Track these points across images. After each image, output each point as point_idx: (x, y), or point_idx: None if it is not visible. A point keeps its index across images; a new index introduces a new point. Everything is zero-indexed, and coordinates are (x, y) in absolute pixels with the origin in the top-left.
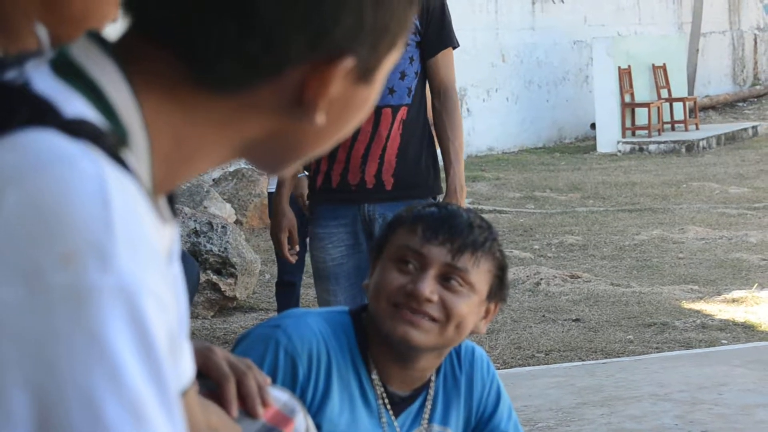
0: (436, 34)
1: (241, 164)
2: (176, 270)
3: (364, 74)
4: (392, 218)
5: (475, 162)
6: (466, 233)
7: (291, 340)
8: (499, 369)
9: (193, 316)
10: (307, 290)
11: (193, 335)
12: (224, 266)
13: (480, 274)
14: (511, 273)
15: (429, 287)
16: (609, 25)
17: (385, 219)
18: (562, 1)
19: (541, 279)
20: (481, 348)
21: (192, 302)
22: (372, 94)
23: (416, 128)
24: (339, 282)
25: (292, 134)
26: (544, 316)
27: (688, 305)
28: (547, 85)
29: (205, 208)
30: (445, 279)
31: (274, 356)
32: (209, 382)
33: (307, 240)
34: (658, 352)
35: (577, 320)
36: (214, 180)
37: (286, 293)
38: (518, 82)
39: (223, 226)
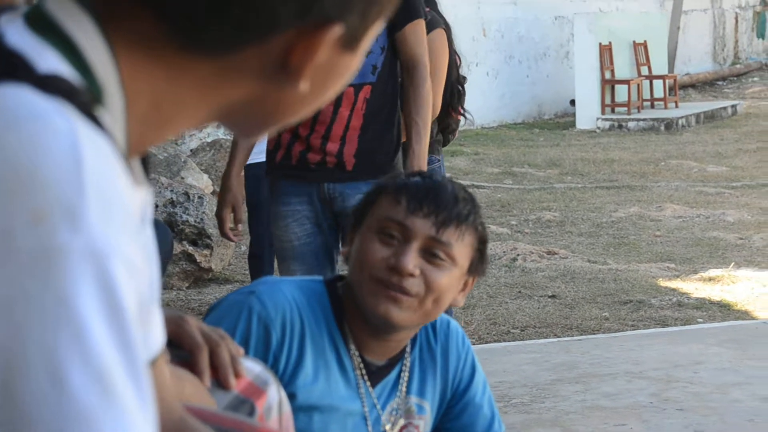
0: (402, 6)
1: (219, 134)
2: (149, 235)
3: (350, 42)
4: (374, 186)
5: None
6: (451, 206)
7: (264, 306)
8: (474, 344)
9: (168, 287)
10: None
11: (168, 306)
12: (200, 237)
13: (463, 248)
14: (488, 248)
15: (412, 261)
16: (590, 1)
17: (344, 197)
18: None
19: (518, 255)
20: (457, 322)
21: (165, 271)
22: (355, 61)
23: (382, 107)
24: (305, 261)
25: (273, 100)
26: (520, 292)
27: (664, 283)
28: (528, 61)
29: (182, 178)
30: (428, 253)
31: (247, 323)
32: (182, 351)
33: None
34: (633, 330)
35: (553, 297)
36: (191, 150)
37: (258, 266)
38: (499, 57)
39: (199, 197)
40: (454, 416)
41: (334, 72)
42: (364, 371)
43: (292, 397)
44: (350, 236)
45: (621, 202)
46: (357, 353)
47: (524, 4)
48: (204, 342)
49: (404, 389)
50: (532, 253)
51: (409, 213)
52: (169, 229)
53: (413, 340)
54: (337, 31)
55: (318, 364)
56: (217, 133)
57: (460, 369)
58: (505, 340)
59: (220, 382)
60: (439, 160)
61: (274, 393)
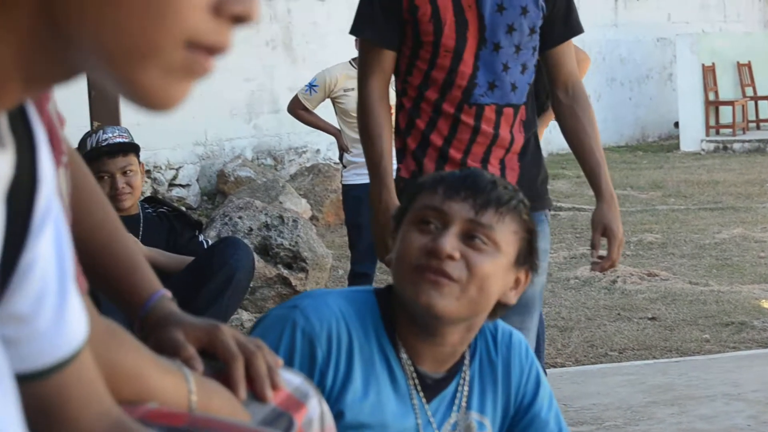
0: (564, 19)
1: (319, 160)
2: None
3: None
4: (413, 186)
5: (556, 160)
6: (489, 189)
7: (309, 320)
8: (570, 367)
9: (264, 310)
10: (380, 283)
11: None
12: (295, 260)
13: (506, 233)
14: (587, 270)
15: (450, 243)
16: (693, 22)
17: None
18: None
19: (618, 276)
20: (519, 332)
21: (248, 288)
22: None
23: (531, 130)
24: None
25: None
26: (619, 314)
27: (767, 305)
28: (630, 83)
29: (280, 203)
30: (468, 237)
31: (291, 338)
32: (216, 362)
33: None
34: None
35: (652, 318)
36: (291, 176)
37: (360, 285)
38: (600, 80)
39: (294, 220)
40: None
41: None
42: (417, 382)
43: (340, 415)
44: (393, 239)
45: (725, 224)
46: (410, 362)
47: (625, 26)
48: (239, 352)
49: (463, 404)
50: (632, 274)
51: (446, 198)
52: (250, 248)
53: (472, 352)
54: None
55: (368, 379)
56: (317, 158)
57: (523, 383)
58: (602, 363)
59: (256, 395)
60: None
61: (315, 405)
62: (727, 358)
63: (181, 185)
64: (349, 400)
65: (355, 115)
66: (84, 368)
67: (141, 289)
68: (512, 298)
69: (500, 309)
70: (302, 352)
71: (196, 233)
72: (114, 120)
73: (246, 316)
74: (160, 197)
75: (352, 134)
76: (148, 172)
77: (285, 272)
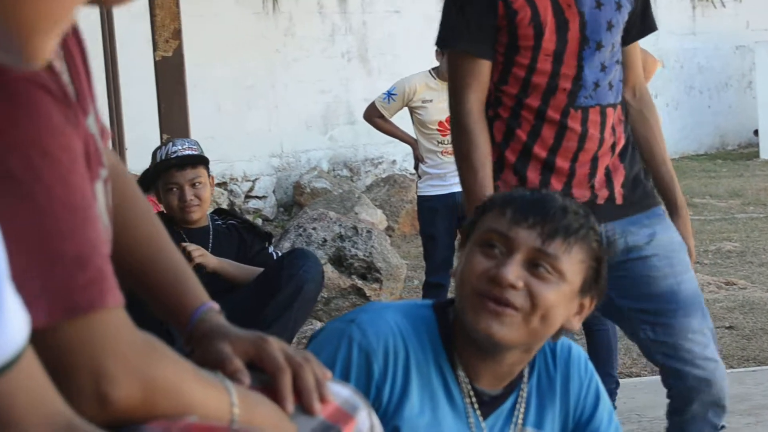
0: (642, 15)
1: (395, 170)
2: None
3: None
4: (483, 202)
5: None
6: (559, 217)
7: (366, 335)
8: (644, 377)
9: None
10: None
11: None
12: (369, 271)
13: (572, 263)
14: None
15: (514, 272)
16: None
17: (626, 237)
18: (724, 6)
19: None
20: (579, 346)
21: (317, 300)
22: None
23: (629, 129)
24: None
25: None
26: None
27: None
28: (709, 91)
29: (356, 214)
30: (533, 265)
31: (348, 353)
32: (263, 375)
33: (456, 241)
34: None
35: (730, 327)
36: (366, 186)
37: (435, 295)
38: (679, 88)
39: (368, 231)
40: None
41: None
42: (474, 400)
43: (396, 431)
44: (459, 255)
45: None
46: (467, 380)
47: (703, 34)
48: (287, 365)
49: (520, 421)
50: (710, 283)
51: (513, 224)
52: (319, 260)
53: (531, 368)
54: None
55: (424, 395)
56: (393, 168)
57: (582, 398)
58: None
59: (304, 408)
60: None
61: (365, 419)
62: None
63: (257, 197)
64: (405, 415)
65: (432, 127)
66: (27, 372)
67: (188, 301)
68: (575, 325)
69: (562, 333)
70: (359, 367)
71: (266, 245)
72: (183, 133)
73: (319, 326)
74: (231, 209)
75: (429, 145)
76: (224, 184)
77: (359, 283)
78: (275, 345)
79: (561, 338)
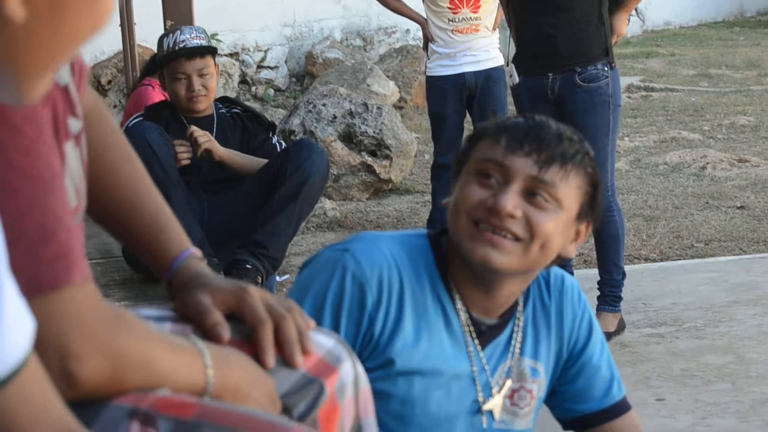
0: None
1: (408, 40)
2: None
3: None
4: (475, 130)
5: (650, 37)
6: (554, 144)
7: (359, 265)
8: (654, 261)
9: (348, 198)
10: None
11: (347, 217)
12: (379, 148)
13: (569, 189)
14: (677, 156)
15: (512, 201)
16: None
17: None
18: None
19: (708, 163)
20: (572, 276)
21: (321, 189)
22: None
23: None
24: None
25: None
26: (707, 202)
27: None
28: None
29: (368, 86)
30: (530, 194)
31: (341, 282)
32: (244, 326)
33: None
34: None
35: (741, 208)
36: (380, 56)
37: (442, 176)
38: None
39: (378, 107)
40: (570, 379)
41: None
42: (472, 329)
43: (391, 362)
44: (452, 185)
45: None
46: (464, 309)
47: None
48: (268, 316)
49: (517, 351)
50: (723, 160)
51: (509, 152)
52: (325, 152)
53: (525, 298)
54: None
55: (420, 325)
56: (406, 38)
57: (576, 328)
58: (688, 255)
59: (285, 360)
60: (607, 77)
61: (349, 369)
62: None
63: (269, 67)
64: (398, 347)
65: (443, 4)
66: (29, 384)
67: (169, 247)
68: (572, 251)
69: (558, 260)
70: (351, 297)
71: (270, 135)
72: (187, 19)
73: (329, 205)
74: (235, 98)
75: (439, 23)
76: (236, 54)
77: (369, 160)
78: (256, 296)
79: (554, 268)
